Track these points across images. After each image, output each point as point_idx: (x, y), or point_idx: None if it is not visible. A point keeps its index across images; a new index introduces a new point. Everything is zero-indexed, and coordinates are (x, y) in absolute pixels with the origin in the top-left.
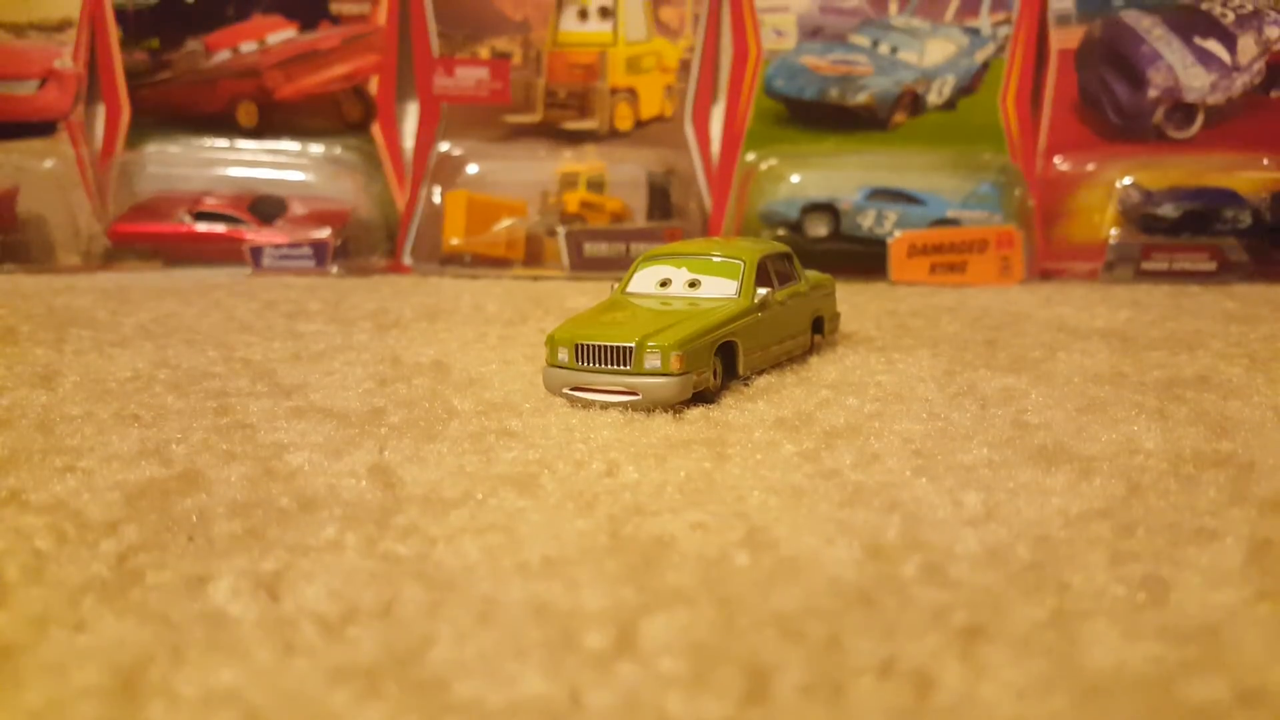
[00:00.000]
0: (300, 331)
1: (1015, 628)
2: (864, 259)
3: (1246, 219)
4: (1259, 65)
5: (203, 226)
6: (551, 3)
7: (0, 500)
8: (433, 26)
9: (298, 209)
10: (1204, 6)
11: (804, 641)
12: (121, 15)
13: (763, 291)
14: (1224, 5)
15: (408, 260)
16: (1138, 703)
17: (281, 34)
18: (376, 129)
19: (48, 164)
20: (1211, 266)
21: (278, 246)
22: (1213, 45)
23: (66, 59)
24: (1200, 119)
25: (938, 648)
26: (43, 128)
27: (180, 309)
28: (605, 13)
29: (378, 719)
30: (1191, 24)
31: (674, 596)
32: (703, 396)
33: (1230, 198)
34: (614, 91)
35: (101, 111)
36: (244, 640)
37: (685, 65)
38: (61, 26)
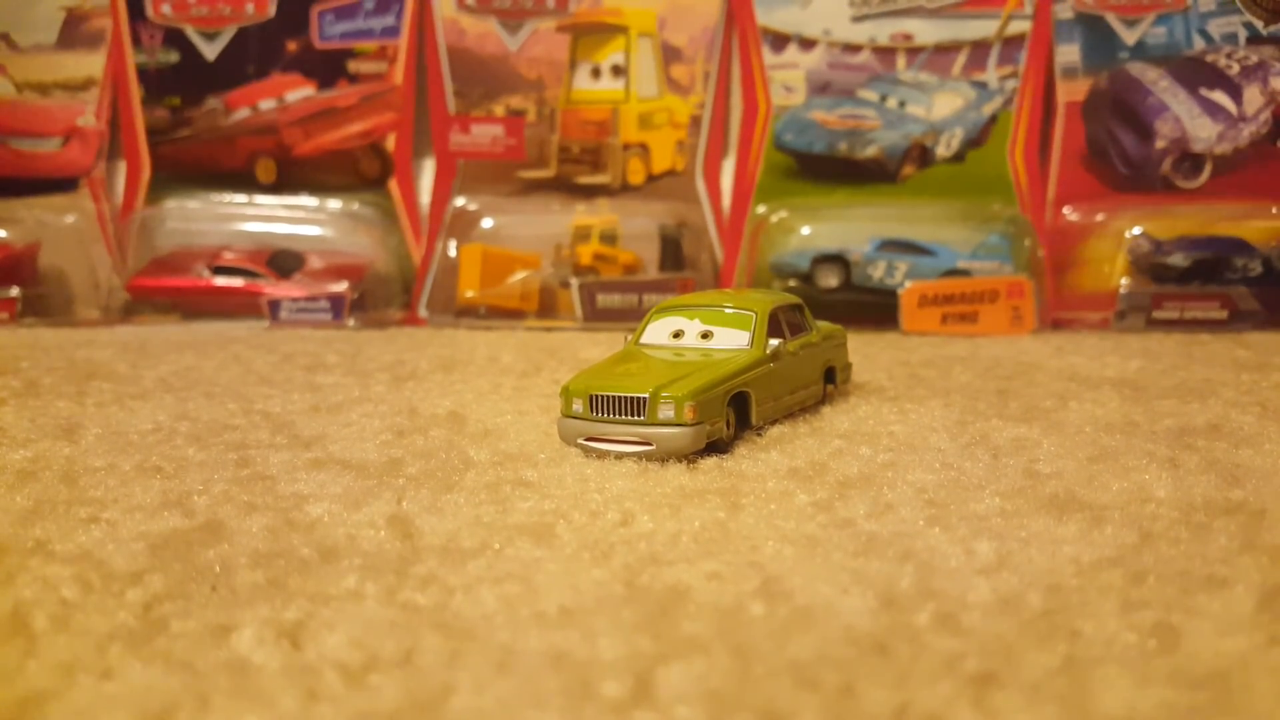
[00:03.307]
0: (318, 384)
1: (1027, 675)
2: (875, 309)
3: (1257, 267)
4: (1265, 115)
5: (221, 281)
6: (565, 62)
7: (27, 550)
8: (449, 85)
9: (315, 263)
10: (1209, 58)
11: (819, 690)
12: (144, 74)
13: (775, 342)
14: (1228, 57)
15: (423, 313)
16: None
17: (300, 92)
18: (393, 184)
19: (69, 219)
20: (1223, 315)
21: (295, 300)
22: (1219, 96)
23: (89, 116)
24: (1208, 169)
25: (951, 695)
26: (65, 184)
27: (199, 362)
28: (618, 71)
29: None
30: (1197, 76)
31: (690, 646)
32: (716, 446)
33: (1240, 246)
34: (626, 147)
35: (122, 168)
36: (268, 688)
37: (696, 121)
38: (85, 85)
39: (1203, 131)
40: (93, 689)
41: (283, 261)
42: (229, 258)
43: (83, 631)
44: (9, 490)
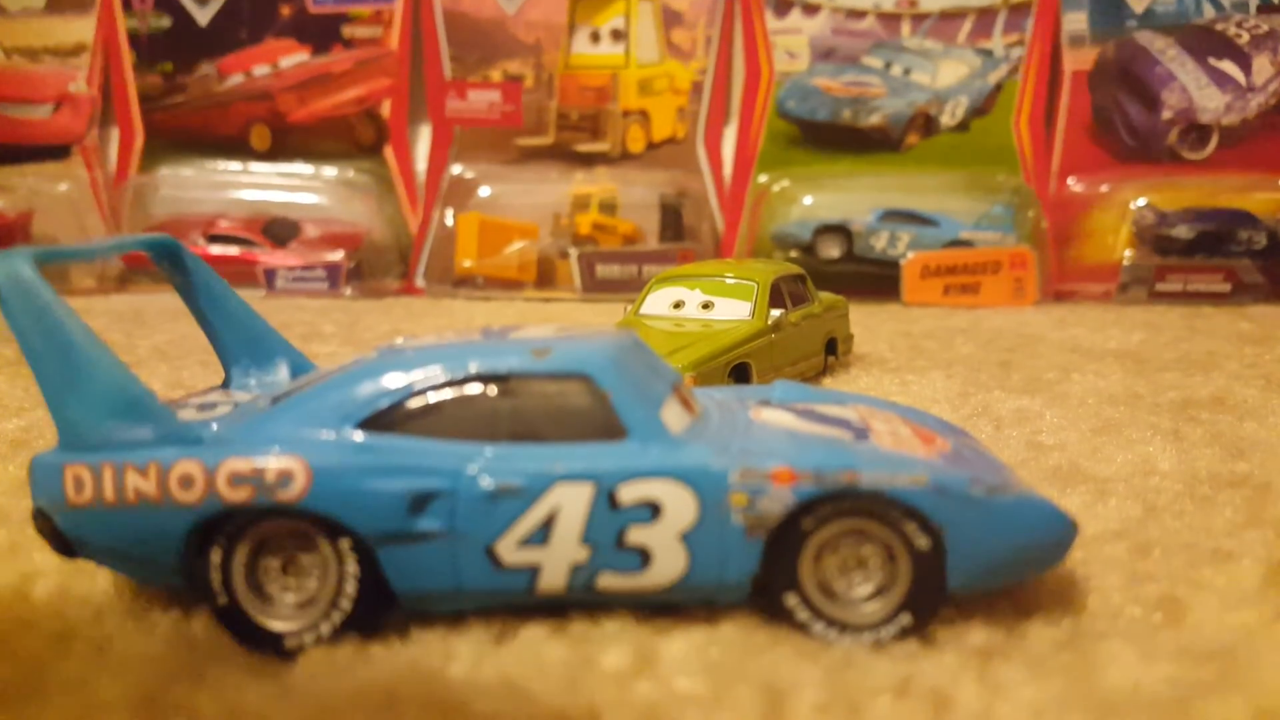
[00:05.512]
0: (314, 354)
1: (1032, 648)
2: (877, 280)
3: (1262, 240)
4: (1275, 86)
5: (216, 249)
6: (564, 25)
7: (23, 520)
8: (445, 50)
9: (311, 231)
10: (1218, 27)
11: (820, 661)
12: (135, 40)
13: (776, 313)
14: (1239, 26)
15: (420, 282)
16: None
17: (294, 58)
18: (389, 152)
19: (62, 187)
20: (1226, 288)
21: (291, 269)
22: (1227, 66)
23: (81, 83)
24: (1215, 140)
25: (955, 667)
26: (57, 151)
27: (194, 331)
28: (617, 35)
29: None
30: (1206, 45)
31: (691, 616)
32: None
33: (1245, 219)
34: (626, 114)
35: (115, 135)
36: (266, 660)
37: (697, 87)
38: (76, 51)
39: (1210, 102)
40: (90, 658)
41: (278, 230)
42: (224, 225)
43: (80, 602)
44: (2, 460)
